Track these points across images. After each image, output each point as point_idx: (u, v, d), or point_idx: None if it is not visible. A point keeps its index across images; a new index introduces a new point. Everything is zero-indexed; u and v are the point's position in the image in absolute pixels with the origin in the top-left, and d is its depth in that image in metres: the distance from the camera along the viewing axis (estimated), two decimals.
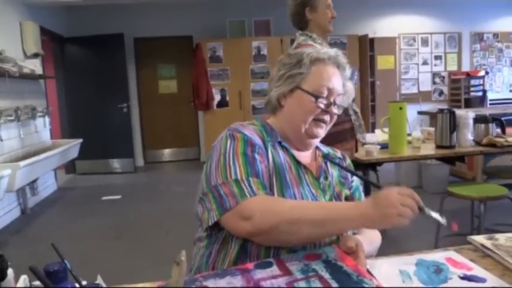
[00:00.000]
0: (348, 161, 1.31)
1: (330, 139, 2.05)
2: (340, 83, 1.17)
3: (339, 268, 0.86)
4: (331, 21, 2.20)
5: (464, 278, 0.92)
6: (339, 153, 1.30)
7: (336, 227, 0.93)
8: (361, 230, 1.14)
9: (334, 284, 0.79)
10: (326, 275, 0.82)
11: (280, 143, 1.15)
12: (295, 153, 1.16)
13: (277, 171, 1.07)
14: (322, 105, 1.13)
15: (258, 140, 1.09)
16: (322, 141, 1.28)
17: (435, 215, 0.89)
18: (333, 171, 1.22)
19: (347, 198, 1.22)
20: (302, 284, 0.80)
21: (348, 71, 1.20)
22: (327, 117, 1.15)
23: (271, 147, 1.11)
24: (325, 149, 1.28)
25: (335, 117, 1.18)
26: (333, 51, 1.18)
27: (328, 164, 1.22)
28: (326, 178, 1.18)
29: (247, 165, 1.01)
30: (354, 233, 1.10)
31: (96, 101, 6.53)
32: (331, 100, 1.14)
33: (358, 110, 2.29)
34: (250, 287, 0.80)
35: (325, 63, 1.15)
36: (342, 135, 2.15)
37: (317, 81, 1.13)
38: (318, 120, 1.14)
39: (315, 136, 1.16)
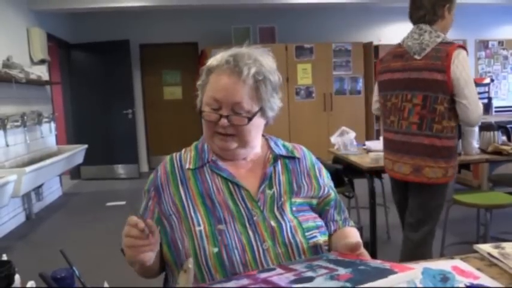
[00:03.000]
0: (312, 164, 1.16)
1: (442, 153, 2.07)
2: (239, 89, 1.01)
3: (341, 260, 0.89)
4: None
5: (471, 287, 0.91)
6: (298, 153, 1.16)
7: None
8: (345, 233, 1.11)
9: (339, 268, 0.82)
10: (330, 265, 0.85)
11: (210, 163, 1.07)
12: (229, 168, 1.07)
13: (201, 196, 1.03)
14: (211, 119, 1.02)
15: (155, 181, 1.10)
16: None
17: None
18: (283, 177, 1.09)
19: (313, 209, 1.10)
20: (309, 273, 0.81)
21: (255, 68, 1.01)
22: (226, 130, 1.02)
23: (192, 173, 1.07)
24: (282, 148, 1.15)
25: (248, 127, 1.02)
26: (228, 54, 1.05)
27: (280, 167, 1.11)
28: (271, 187, 1.06)
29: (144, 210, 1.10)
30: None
31: (102, 107, 6.57)
32: (221, 113, 1.01)
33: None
34: (259, 282, 0.81)
35: (218, 70, 1.04)
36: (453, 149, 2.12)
37: (208, 92, 1.05)
38: (218, 133, 1.04)
39: (222, 150, 1.06)
